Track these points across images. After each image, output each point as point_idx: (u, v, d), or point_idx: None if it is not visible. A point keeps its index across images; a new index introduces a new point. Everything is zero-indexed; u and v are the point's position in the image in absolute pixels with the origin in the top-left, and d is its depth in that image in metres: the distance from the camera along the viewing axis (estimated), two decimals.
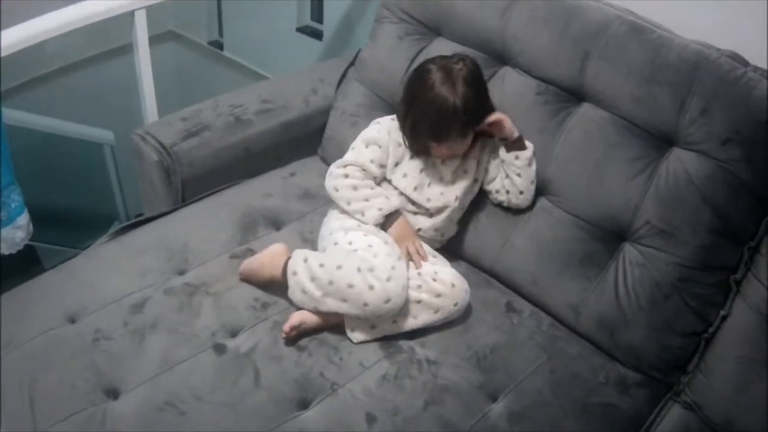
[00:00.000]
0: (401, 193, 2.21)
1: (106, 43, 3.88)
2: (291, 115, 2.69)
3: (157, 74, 2.79)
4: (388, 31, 2.59)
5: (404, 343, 2.04)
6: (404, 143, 2.22)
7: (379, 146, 2.21)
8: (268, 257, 2.10)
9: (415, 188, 2.21)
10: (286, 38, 3.92)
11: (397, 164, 2.22)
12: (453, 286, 2.06)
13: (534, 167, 2.21)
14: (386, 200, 2.17)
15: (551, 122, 2.22)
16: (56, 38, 2.45)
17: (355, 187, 2.17)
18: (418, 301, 2.04)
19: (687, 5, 2.23)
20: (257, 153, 2.63)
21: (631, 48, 2.10)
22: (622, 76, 2.10)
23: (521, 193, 2.23)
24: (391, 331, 2.03)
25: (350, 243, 2.10)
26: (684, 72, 2.01)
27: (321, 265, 1.99)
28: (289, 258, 2.06)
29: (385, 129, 2.24)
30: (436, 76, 2.09)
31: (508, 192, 2.25)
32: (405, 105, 2.18)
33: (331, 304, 1.97)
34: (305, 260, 2.02)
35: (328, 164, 2.48)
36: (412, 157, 2.22)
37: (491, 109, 2.18)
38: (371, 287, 1.94)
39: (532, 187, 2.23)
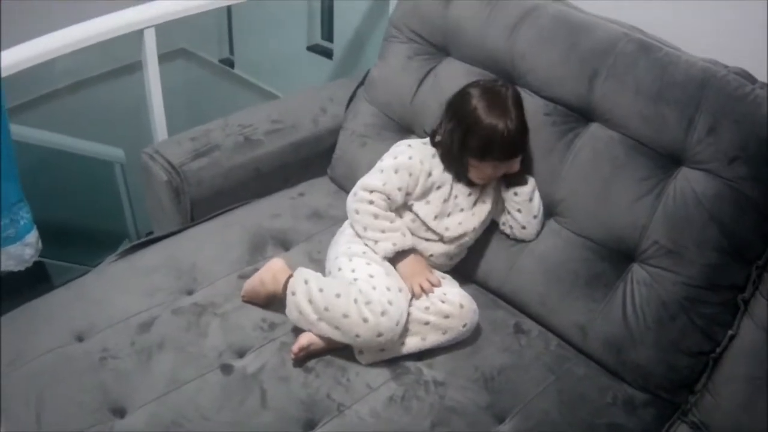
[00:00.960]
0: (420, 221, 2.19)
1: (117, 60, 3.88)
2: (300, 135, 2.70)
3: (167, 92, 2.79)
4: (397, 51, 2.59)
5: (412, 365, 2.03)
6: (436, 167, 2.19)
7: (410, 174, 2.17)
8: (268, 274, 2.10)
9: (435, 217, 2.19)
10: (296, 57, 3.93)
11: (423, 194, 2.19)
12: (461, 307, 2.05)
13: (536, 201, 2.21)
14: (402, 237, 2.16)
15: (560, 143, 2.21)
16: (66, 55, 2.46)
17: (376, 216, 2.15)
18: (426, 323, 2.03)
19: (692, 21, 2.25)
20: (266, 173, 2.63)
21: (639, 66, 2.08)
22: (631, 95, 2.08)
23: (524, 228, 2.23)
24: (399, 352, 2.03)
25: (353, 270, 2.09)
26: (691, 90, 2.00)
27: (320, 290, 1.99)
28: (290, 276, 2.05)
29: (418, 157, 2.19)
30: (486, 97, 2.10)
31: (511, 227, 2.26)
32: (450, 126, 2.15)
33: (325, 329, 1.97)
34: (306, 282, 2.01)
35: (338, 185, 2.56)
36: (438, 188, 2.19)
37: None
38: (365, 320, 1.93)
39: (536, 222, 2.23)
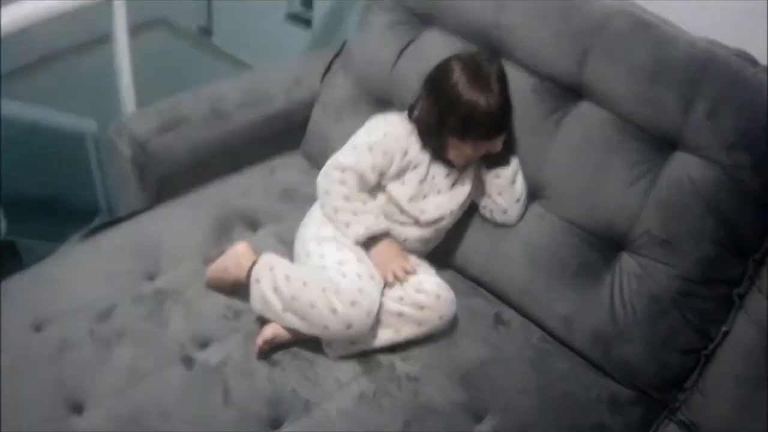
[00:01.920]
0: (394, 203, 2.08)
1: (92, 31, 3.77)
2: (273, 108, 2.58)
3: (145, 63, 2.73)
4: (377, 21, 2.48)
5: (384, 358, 1.94)
6: (413, 145, 2.08)
7: (384, 153, 2.06)
8: (232, 260, 1.99)
9: (410, 199, 2.08)
10: (275, 26, 3.82)
11: (398, 174, 2.08)
12: (438, 297, 1.95)
13: (519, 184, 2.11)
14: (375, 220, 2.05)
15: (547, 122, 2.11)
16: (37, 27, 2.39)
17: (347, 197, 2.04)
18: (400, 314, 1.93)
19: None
20: (237, 148, 2.52)
21: (634, 44, 1.99)
22: (624, 74, 2.00)
23: (505, 212, 2.13)
24: (371, 346, 1.93)
25: (322, 256, 1.98)
26: (692, 71, 1.91)
27: (286, 278, 1.88)
28: (255, 261, 1.95)
29: (394, 134, 2.08)
30: (468, 71, 1.98)
31: (491, 210, 2.16)
32: (429, 102, 2.04)
33: (291, 320, 1.87)
34: (271, 268, 1.91)
35: (311, 161, 2.45)
36: (414, 167, 2.08)
37: None
38: (334, 311, 1.83)
39: (518, 206, 2.13)
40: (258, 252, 1.99)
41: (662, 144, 1.97)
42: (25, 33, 2.33)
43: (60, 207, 3.71)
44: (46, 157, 3.65)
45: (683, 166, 1.92)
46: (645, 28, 2.00)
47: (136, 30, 3.39)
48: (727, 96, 1.87)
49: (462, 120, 1.96)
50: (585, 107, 2.09)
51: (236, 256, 1.99)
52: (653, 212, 1.94)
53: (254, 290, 1.91)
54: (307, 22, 3.65)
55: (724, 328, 1.93)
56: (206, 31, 4.36)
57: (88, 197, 4.06)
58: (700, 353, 1.95)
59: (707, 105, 1.88)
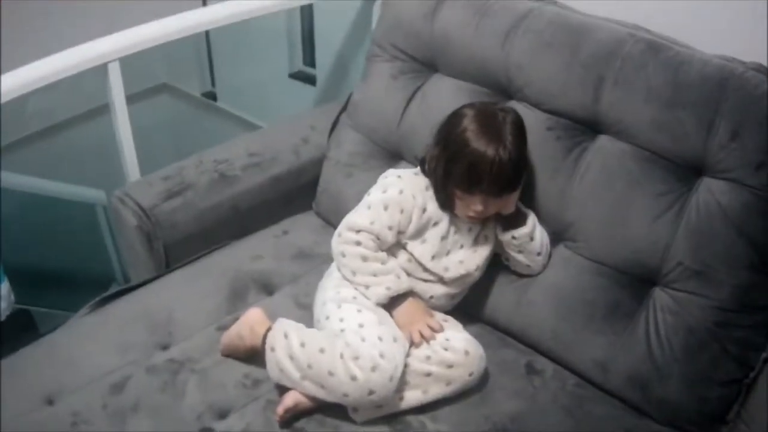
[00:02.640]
0: (416, 261, 1.99)
1: (92, 99, 3.80)
2: (281, 168, 2.52)
3: (151, 128, 2.72)
4: (381, 71, 2.43)
5: (413, 419, 1.84)
6: (431, 201, 2.00)
7: (402, 210, 1.97)
8: (245, 327, 1.92)
9: (433, 257, 1.99)
10: (279, 85, 3.86)
11: (418, 232, 1.99)
12: (467, 354, 1.85)
13: (538, 239, 2.01)
14: (396, 280, 1.95)
15: (566, 161, 2.04)
16: (38, 97, 2.37)
17: (365, 258, 1.95)
18: (428, 374, 1.83)
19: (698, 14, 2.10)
20: (246, 211, 2.46)
21: (648, 69, 1.91)
22: (641, 102, 1.92)
23: (528, 266, 2.05)
24: (398, 408, 1.83)
25: (341, 320, 1.89)
26: (708, 91, 1.83)
27: (302, 344, 1.80)
28: (269, 328, 1.87)
29: (410, 190, 1.98)
30: (479, 119, 1.89)
31: (513, 265, 2.08)
32: (437, 151, 1.96)
33: (309, 388, 1.78)
34: (285, 336, 1.83)
35: (324, 220, 2.47)
36: (435, 224, 1.99)
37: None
38: (353, 377, 1.74)
39: (540, 258, 2.04)
40: (273, 318, 1.92)
41: (687, 171, 1.89)
42: (25, 104, 2.34)
43: (75, 276, 3.75)
44: (58, 229, 3.72)
45: (710, 192, 1.84)
46: (656, 50, 1.93)
47: (140, 96, 3.52)
48: (747, 114, 1.79)
49: (467, 169, 1.87)
50: (603, 141, 2.01)
51: (250, 323, 1.91)
52: (683, 243, 1.86)
53: (270, 359, 1.83)
54: (310, 79, 3.67)
55: (764, 355, 1.86)
56: (211, 95, 4.39)
57: (103, 266, 4.14)
58: (741, 383, 1.87)
59: (729, 125, 1.80)
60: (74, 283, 3.73)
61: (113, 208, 2.35)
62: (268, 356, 1.83)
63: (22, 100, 2.29)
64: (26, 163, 3.72)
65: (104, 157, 3.24)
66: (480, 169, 1.85)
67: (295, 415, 1.80)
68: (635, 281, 1.95)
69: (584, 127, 2.05)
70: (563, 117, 2.07)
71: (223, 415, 1.83)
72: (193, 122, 4.55)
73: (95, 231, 4.10)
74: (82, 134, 4.01)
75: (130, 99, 2.54)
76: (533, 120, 2.05)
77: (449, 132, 1.93)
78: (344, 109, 2.58)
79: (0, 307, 2.50)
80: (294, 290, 2.21)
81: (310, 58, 3.75)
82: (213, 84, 4.40)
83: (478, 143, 1.85)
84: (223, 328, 2.03)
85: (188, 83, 4.49)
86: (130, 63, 2.46)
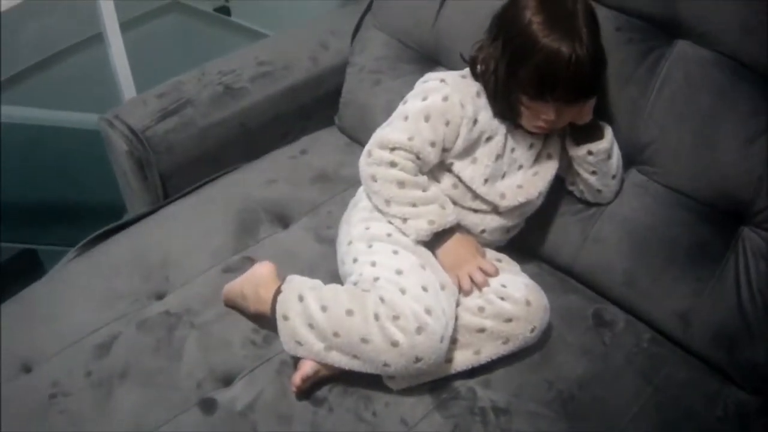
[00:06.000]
0: (465, 186, 1.70)
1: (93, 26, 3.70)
2: (296, 77, 2.27)
3: (160, 51, 2.65)
4: None
5: (461, 384, 1.61)
6: (483, 110, 1.70)
7: (447, 122, 1.65)
8: (250, 287, 1.66)
9: (486, 181, 1.69)
10: None
11: (467, 149, 1.70)
12: (528, 304, 1.59)
13: (615, 158, 1.75)
14: (441, 210, 1.66)
15: (640, 68, 1.76)
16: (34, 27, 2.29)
17: (401, 183, 1.66)
18: (481, 330, 1.58)
19: None
20: (256, 129, 2.23)
21: None
22: None
23: (599, 191, 1.78)
24: (445, 373, 1.58)
25: (373, 264, 1.61)
26: None
27: (323, 309, 1.52)
28: (279, 290, 1.59)
29: (457, 96, 1.67)
30: (546, 8, 1.58)
31: (582, 191, 1.81)
32: (495, 50, 1.65)
33: (339, 360, 1.52)
34: (300, 299, 1.55)
35: (349, 136, 2.25)
36: (488, 139, 1.70)
37: None
38: (394, 344, 1.46)
39: (614, 182, 1.78)
40: (290, 261, 1.74)
41: None
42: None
43: (83, 210, 3.58)
44: (62, 160, 3.56)
45: None
46: None
47: (148, 17, 3.50)
48: None
49: (537, 72, 1.56)
50: (683, 47, 1.75)
51: (255, 283, 1.66)
52: None
53: (283, 329, 1.56)
54: None
55: None
56: (225, 10, 4.21)
57: (111, 197, 3.96)
58: None
59: None
60: (83, 216, 3.53)
61: (102, 133, 2.14)
62: (281, 326, 1.56)
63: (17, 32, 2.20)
64: (23, 97, 3.62)
65: (107, 84, 3.20)
66: (553, 71, 1.55)
67: (315, 382, 1.56)
68: (721, 217, 1.73)
69: (660, 30, 1.78)
70: (634, 16, 1.80)
71: (227, 381, 1.61)
72: (207, 41, 4.36)
73: (101, 160, 3.96)
74: (76, 64, 3.92)
75: (137, 20, 2.55)
76: (600, 18, 1.75)
77: (510, 25, 1.61)
78: (369, 8, 2.33)
79: None
80: (313, 222, 1.99)
81: None
82: None
83: (549, 39, 1.54)
84: (230, 270, 1.82)
85: None
86: None
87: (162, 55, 2.62)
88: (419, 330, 1.46)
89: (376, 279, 1.56)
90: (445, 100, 1.65)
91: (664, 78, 1.75)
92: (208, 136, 2.14)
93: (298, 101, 2.29)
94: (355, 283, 1.59)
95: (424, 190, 1.66)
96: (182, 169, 2.12)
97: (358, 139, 2.16)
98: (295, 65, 2.29)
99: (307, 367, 1.52)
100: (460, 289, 1.61)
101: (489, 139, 1.68)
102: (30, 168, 3.06)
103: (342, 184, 2.07)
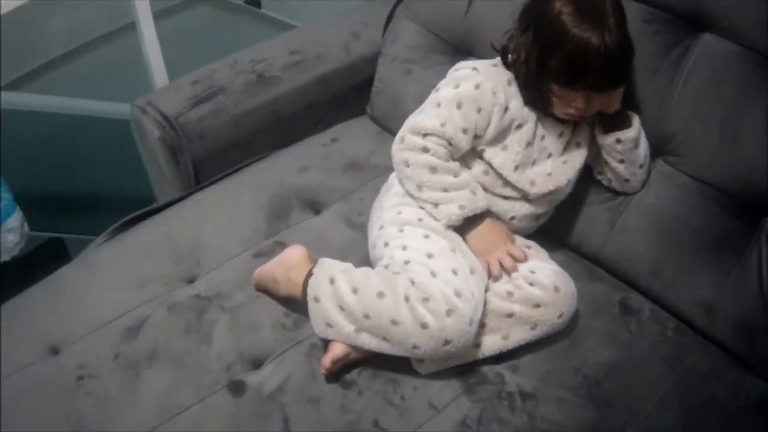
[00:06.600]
0: (496, 173, 1.72)
1: (123, 16, 3.68)
2: (328, 66, 2.28)
3: (190, 43, 2.62)
4: None
5: (489, 369, 1.62)
6: (514, 98, 1.71)
7: (479, 109, 1.67)
8: (281, 270, 1.67)
9: (517, 168, 1.71)
10: None
11: (498, 137, 1.71)
12: (557, 290, 1.60)
13: (643, 147, 1.76)
14: (472, 196, 1.67)
15: (667, 60, 1.77)
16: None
17: (433, 169, 1.67)
18: (510, 315, 1.59)
19: None
20: (288, 117, 2.23)
21: None
22: None
23: (626, 180, 1.78)
24: (473, 357, 1.60)
25: (404, 248, 1.62)
26: None
27: (354, 291, 1.53)
28: (310, 272, 1.61)
29: (489, 84, 1.69)
30: (577, 2, 1.59)
31: (609, 179, 1.81)
32: (525, 39, 1.67)
33: (369, 342, 1.53)
34: (332, 281, 1.56)
35: (380, 125, 2.25)
36: (518, 127, 1.71)
37: None
38: (424, 325, 1.47)
39: (642, 171, 1.78)
40: (322, 245, 1.76)
41: None
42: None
43: (111, 199, 3.55)
44: (91, 149, 3.56)
45: None
46: None
47: (178, 8, 3.52)
48: None
49: (567, 62, 1.57)
50: (708, 40, 1.77)
51: (287, 266, 1.67)
52: None
53: (314, 312, 1.58)
54: None
55: None
56: (255, 2, 4.24)
57: (139, 187, 3.99)
58: None
59: None
60: (110, 206, 3.62)
61: (134, 120, 2.15)
62: (312, 309, 1.58)
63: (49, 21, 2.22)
64: (58, 85, 3.62)
65: (137, 74, 3.21)
66: (583, 61, 1.56)
67: (345, 365, 1.58)
68: (745, 208, 1.73)
69: (684, 22, 1.80)
70: (660, 8, 1.81)
71: (257, 364, 1.62)
72: (237, 33, 4.34)
73: (131, 149, 3.98)
74: (113, 53, 3.89)
75: (167, 11, 2.57)
76: (627, 9, 1.75)
77: (540, 15, 1.62)
78: (400, 0, 2.33)
79: (9, 241, 2.36)
80: (345, 208, 2.00)
81: None
82: None
83: (578, 29, 1.55)
84: (261, 255, 1.83)
85: None
86: None
87: (192, 46, 2.63)
88: (449, 312, 1.47)
89: (407, 262, 1.57)
90: (477, 87, 1.67)
91: (689, 70, 1.76)
92: (241, 123, 2.14)
93: (330, 90, 2.29)
94: (386, 267, 1.60)
95: (455, 176, 1.67)
96: (214, 156, 2.12)
97: (390, 128, 2.17)
98: (327, 54, 2.29)
99: (337, 350, 1.54)
100: (490, 274, 1.62)
101: (519, 126, 1.69)
102: (58, 157, 3.08)
103: (373, 172, 2.07)
